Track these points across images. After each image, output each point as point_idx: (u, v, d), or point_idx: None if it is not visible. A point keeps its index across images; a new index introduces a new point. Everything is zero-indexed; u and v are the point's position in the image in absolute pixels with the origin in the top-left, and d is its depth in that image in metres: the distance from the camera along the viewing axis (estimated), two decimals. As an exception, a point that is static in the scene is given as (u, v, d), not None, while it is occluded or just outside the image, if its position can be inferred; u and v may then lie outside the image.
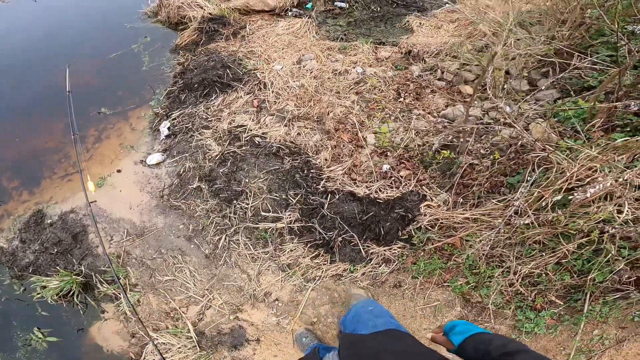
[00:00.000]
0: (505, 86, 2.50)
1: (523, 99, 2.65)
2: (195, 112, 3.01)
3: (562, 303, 1.92)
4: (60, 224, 2.63)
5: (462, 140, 2.35)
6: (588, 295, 1.85)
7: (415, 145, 2.44)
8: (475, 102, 2.77)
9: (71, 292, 2.34)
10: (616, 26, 1.90)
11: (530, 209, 1.87)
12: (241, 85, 3.12)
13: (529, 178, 1.91)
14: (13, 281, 2.48)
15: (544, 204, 1.86)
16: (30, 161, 3.06)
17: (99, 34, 4.15)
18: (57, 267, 2.39)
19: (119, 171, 2.89)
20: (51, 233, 2.58)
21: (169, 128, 2.96)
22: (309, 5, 4.25)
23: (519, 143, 2.00)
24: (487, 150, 2.37)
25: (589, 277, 1.78)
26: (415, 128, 2.53)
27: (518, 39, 2.56)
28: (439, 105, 2.81)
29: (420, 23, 3.90)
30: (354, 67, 3.18)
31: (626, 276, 1.72)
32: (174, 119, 3.05)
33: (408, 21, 3.99)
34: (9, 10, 4.67)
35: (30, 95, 3.52)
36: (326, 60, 3.29)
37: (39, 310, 2.39)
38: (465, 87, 2.99)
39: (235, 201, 2.43)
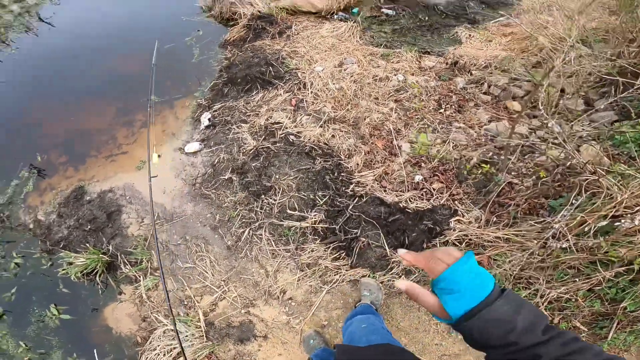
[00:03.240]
0: (559, 103, 2.34)
1: (576, 119, 2.47)
2: (236, 105, 3.09)
3: (586, 329, 1.82)
4: (97, 202, 2.71)
5: (503, 157, 2.23)
6: (615, 323, 1.78)
7: (452, 159, 2.35)
8: (523, 119, 2.62)
9: (95, 271, 2.36)
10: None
11: (570, 233, 1.75)
12: (282, 84, 3.17)
13: (573, 201, 1.78)
14: (42, 255, 2.55)
15: (586, 229, 1.73)
16: (80, 139, 3.22)
17: (158, 25, 4.41)
18: (87, 244, 2.45)
19: (159, 156, 3.01)
20: (88, 210, 2.66)
21: (209, 119, 3.06)
22: (355, 10, 4.25)
23: (568, 164, 1.86)
24: (530, 170, 2.23)
25: (620, 306, 1.70)
26: (454, 140, 2.43)
27: (580, 56, 2.39)
28: (482, 119, 2.68)
29: (469, 35, 3.77)
30: (395, 74, 3.13)
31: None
32: (215, 110, 3.15)
33: (457, 32, 3.87)
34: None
35: (90, 80, 3.79)
36: (368, 65, 3.26)
37: (60, 287, 2.42)
38: (512, 103, 2.84)
39: (263, 196, 2.46)
